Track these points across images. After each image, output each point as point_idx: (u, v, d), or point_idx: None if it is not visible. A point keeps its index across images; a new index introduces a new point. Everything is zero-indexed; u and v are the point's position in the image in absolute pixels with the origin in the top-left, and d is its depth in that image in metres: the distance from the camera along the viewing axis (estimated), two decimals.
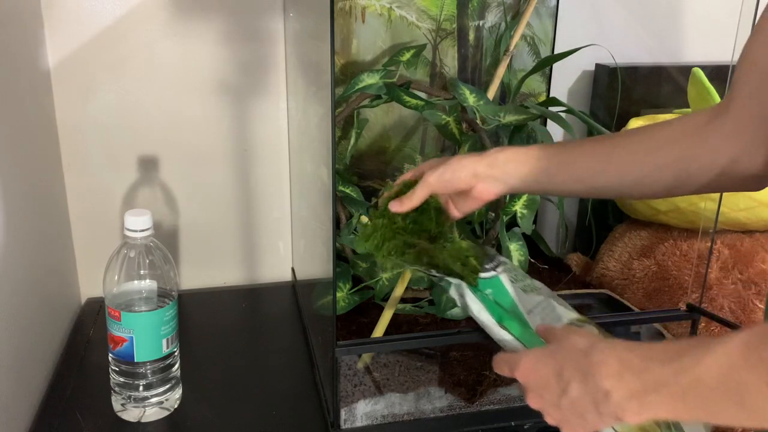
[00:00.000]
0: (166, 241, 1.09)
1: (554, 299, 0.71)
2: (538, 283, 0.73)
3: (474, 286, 0.70)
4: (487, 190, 0.71)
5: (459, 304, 0.71)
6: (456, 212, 0.75)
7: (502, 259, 0.74)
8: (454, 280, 0.71)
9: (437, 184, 0.71)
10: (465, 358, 0.83)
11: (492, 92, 1.04)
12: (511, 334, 0.67)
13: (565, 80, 1.18)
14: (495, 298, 0.70)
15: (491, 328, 0.68)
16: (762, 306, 0.89)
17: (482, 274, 0.71)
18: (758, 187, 0.62)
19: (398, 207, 0.72)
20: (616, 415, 0.51)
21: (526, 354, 0.59)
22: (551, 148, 0.70)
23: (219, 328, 1.01)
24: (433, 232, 0.75)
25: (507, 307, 0.69)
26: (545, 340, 0.62)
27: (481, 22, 1.05)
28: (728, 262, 0.95)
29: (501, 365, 0.61)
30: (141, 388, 0.78)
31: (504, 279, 0.71)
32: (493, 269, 0.72)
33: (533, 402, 0.57)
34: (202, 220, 1.10)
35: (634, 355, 0.50)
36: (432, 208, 0.74)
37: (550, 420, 0.56)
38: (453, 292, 0.72)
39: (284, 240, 1.15)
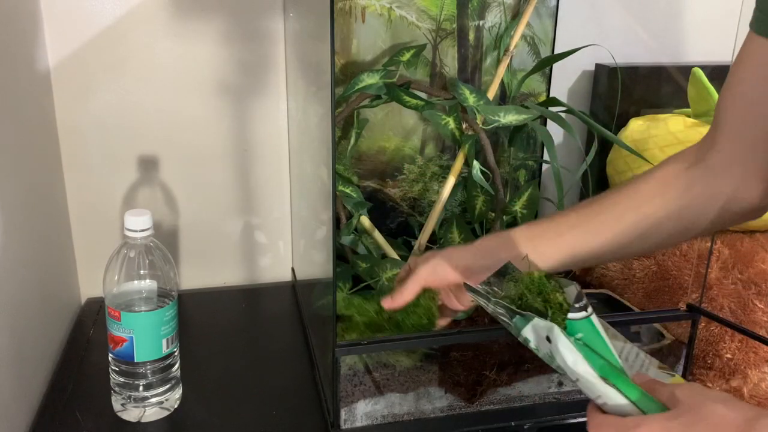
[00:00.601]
0: (166, 241, 1.09)
1: (630, 342, 0.61)
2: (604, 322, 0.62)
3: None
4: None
5: (535, 346, 0.59)
6: (457, 305, 0.72)
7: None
8: (541, 321, 0.58)
9: (430, 280, 0.69)
10: (465, 358, 0.83)
11: (492, 92, 1.04)
12: (625, 396, 0.52)
13: (565, 80, 1.18)
14: (587, 343, 0.57)
15: (591, 384, 0.54)
16: (762, 306, 0.89)
17: (572, 315, 0.58)
18: (760, 215, 0.61)
19: (389, 303, 0.70)
20: None
21: (647, 423, 0.47)
22: (538, 226, 0.69)
23: (219, 328, 1.01)
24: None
25: (605, 356, 0.56)
26: (660, 400, 0.50)
27: (481, 22, 1.05)
28: (728, 262, 0.95)
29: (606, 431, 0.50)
30: (141, 388, 0.78)
31: (596, 321, 0.59)
32: (584, 309, 0.59)
33: None
34: (202, 220, 1.10)
35: None
36: (422, 311, 0.73)
37: None
38: (528, 332, 0.59)
39: (284, 240, 1.15)
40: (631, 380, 0.53)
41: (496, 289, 0.67)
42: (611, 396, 0.52)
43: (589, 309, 0.59)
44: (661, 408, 0.49)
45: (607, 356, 0.56)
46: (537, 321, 0.58)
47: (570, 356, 0.55)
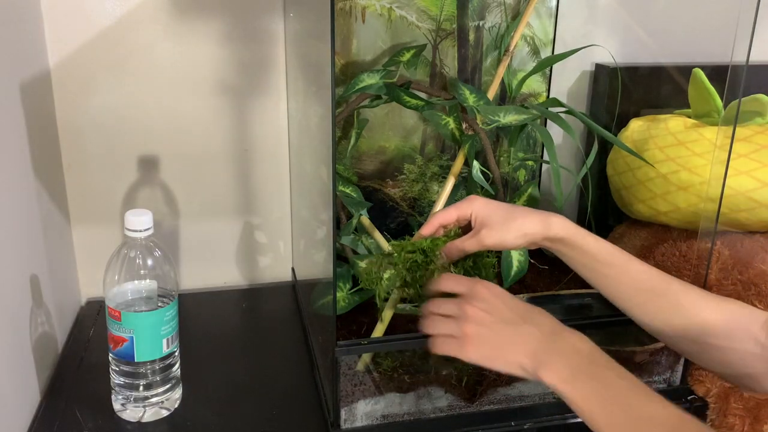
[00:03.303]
0: (166, 241, 1.09)
1: None
2: None
3: None
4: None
5: None
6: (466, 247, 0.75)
7: None
8: None
9: (493, 246, 0.72)
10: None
11: (492, 92, 1.04)
12: None
13: (564, 80, 1.18)
14: None
15: None
16: (762, 307, 0.89)
17: None
18: None
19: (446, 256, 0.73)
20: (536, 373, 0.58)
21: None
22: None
23: (219, 328, 1.02)
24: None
25: None
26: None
27: (481, 22, 1.05)
28: (728, 263, 0.95)
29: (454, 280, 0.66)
30: (141, 388, 0.78)
31: None
32: None
33: (467, 307, 0.62)
34: (202, 219, 1.10)
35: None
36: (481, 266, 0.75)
37: (458, 327, 0.62)
38: None
39: (284, 240, 1.15)
40: None
41: None
42: None
43: None
44: None
45: None
46: None
47: None
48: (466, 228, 0.75)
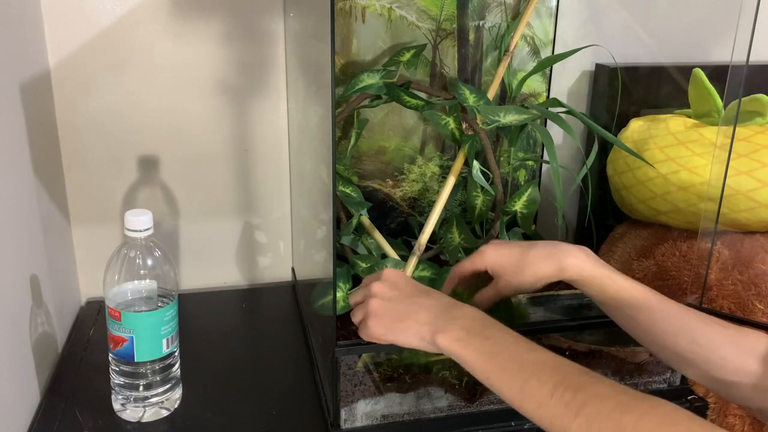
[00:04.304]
0: (166, 241, 1.09)
1: None
2: None
3: None
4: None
5: None
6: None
7: None
8: None
9: (513, 294, 0.76)
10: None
11: (492, 92, 1.04)
12: None
13: (564, 80, 1.18)
14: None
15: None
16: (762, 307, 0.89)
17: None
18: None
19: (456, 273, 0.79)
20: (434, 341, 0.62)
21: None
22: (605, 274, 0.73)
23: (219, 328, 1.02)
24: None
25: None
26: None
27: (481, 22, 1.05)
28: (728, 263, 0.95)
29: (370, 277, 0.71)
30: (141, 388, 0.78)
31: None
32: None
33: (373, 284, 0.67)
34: (202, 220, 1.10)
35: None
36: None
37: (364, 310, 0.67)
38: None
39: (284, 240, 1.15)
40: None
41: None
42: None
43: None
44: None
45: None
46: None
47: None
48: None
